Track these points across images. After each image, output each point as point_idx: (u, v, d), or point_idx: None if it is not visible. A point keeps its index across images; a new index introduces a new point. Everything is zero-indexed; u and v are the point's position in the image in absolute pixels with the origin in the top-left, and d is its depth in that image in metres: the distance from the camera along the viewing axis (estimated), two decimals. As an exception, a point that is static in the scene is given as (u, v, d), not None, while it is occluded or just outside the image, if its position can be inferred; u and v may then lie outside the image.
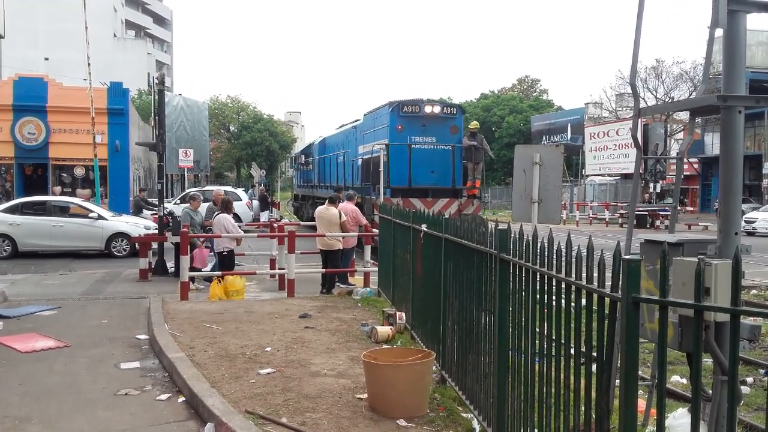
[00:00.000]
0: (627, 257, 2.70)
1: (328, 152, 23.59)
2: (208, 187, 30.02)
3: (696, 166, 42.81)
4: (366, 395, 5.20)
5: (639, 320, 2.75)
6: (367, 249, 11.48)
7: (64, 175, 24.71)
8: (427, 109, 16.00)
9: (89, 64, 20.78)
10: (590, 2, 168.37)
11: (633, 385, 2.67)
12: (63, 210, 16.69)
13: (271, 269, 12.74)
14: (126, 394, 5.73)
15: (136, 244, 13.84)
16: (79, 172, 24.28)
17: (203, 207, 13.12)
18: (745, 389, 6.37)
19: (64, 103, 23.63)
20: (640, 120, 6.44)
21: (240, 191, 27.62)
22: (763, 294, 11.83)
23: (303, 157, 31.25)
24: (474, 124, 18.06)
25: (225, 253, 11.26)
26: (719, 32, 3.60)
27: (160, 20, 72.34)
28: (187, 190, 27.30)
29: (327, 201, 11.29)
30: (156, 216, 14.51)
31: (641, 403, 4.32)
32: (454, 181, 15.94)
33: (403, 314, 7.52)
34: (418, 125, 15.89)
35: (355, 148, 19.01)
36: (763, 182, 34.07)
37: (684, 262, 3.49)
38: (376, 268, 10.29)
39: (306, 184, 28.91)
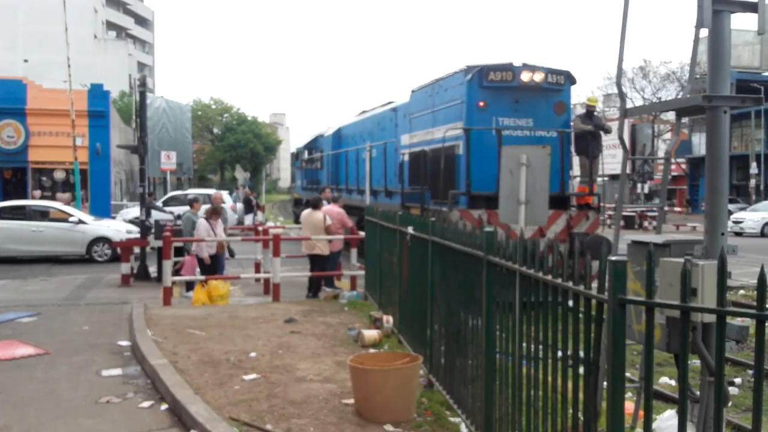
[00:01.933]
0: (613, 258, 2.69)
1: (346, 146, 18.47)
2: (190, 190, 29.79)
3: (684, 166, 42.95)
4: (352, 400, 5.15)
5: (626, 322, 2.74)
6: (354, 252, 11.41)
7: (44, 178, 24.40)
8: (525, 76, 10.67)
9: (69, 66, 20.53)
10: (576, 2, 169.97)
11: (620, 387, 2.67)
12: (43, 214, 16.49)
13: (256, 273, 12.63)
14: (108, 401, 5.62)
15: (118, 248, 13.65)
16: (59, 175, 23.96)
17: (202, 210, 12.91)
18: (733, 390, 6.39)
19: (43, 106, 23.33)
20: (627, 120, 6.45)
21: (224, 194, 27.35)
22: (750, 294, 11.76)
23: (307, 153, 24.51)
24: (592, 99, 12.34)
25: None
26: (705, 32, 3.61)
27: (142, 21, 71.64)
28: (170, 194, 27.06)
29: (311, 205, 11.17)
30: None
31: (629, 405, 4.31)
32: (562, 185, 10.72)
33: (390, 318, 7.47)
34: (509, 101, 10.81)
35: (397, 138, 14.08)
36: (750, 182, 34.39)
37: (670, 263, 3.49)
38: (363, 272, 10.22)
39: (312, 186, 22.67)
